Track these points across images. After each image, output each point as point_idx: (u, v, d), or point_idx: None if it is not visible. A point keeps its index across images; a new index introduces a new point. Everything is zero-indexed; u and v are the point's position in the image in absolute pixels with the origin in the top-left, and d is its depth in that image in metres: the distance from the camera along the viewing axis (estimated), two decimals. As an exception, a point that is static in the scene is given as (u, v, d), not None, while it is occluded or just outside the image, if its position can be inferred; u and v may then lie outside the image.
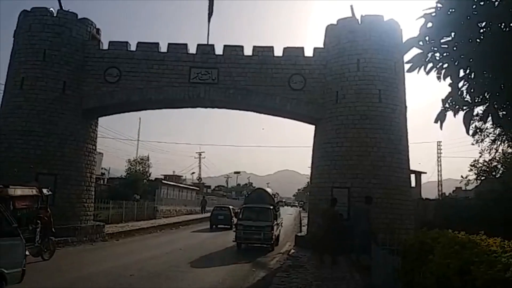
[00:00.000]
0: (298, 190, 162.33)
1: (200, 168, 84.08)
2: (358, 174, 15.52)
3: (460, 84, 3.31)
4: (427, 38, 2.68)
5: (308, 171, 19.03)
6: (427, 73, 2.99)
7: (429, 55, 2.79)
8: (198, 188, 64.62)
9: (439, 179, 45.71)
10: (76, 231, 16.52)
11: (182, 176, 73.54)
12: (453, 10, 2.46)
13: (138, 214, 28.14)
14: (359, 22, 16.50)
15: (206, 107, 18.84)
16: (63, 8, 17.66)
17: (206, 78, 17.40)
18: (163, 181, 46.12)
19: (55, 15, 17.35)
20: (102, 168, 51.24)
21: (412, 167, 18.48)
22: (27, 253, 8.74)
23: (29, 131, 16.33)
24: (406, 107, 16.76)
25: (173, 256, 14.41)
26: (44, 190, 12.45)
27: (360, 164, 15.54)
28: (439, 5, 2.59)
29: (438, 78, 2.96)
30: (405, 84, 16.92)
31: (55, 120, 16.76)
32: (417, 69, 2.97)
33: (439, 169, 46.78)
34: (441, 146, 47.67)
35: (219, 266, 12.97)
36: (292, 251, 15.27)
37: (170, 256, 14.39)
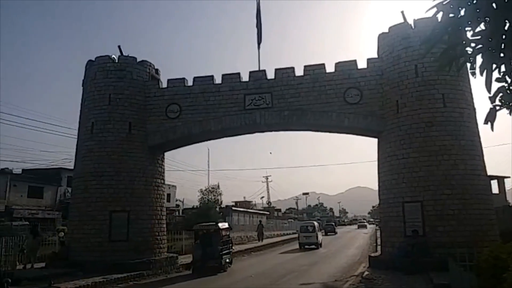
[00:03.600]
0: (373, 207, 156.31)
1: (268, 192, 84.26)
2: (430, 186, 14.49)
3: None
4: (451, 29, 2.36)
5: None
6: (458, 70, 2.65)
7: (459, 49, 2.47)
8: (268, 212, 64.42)
9: (528, 183, 41.45)
10: (150, 265, 16.92)
11: (252, 201, 74.05)
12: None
13: (211, 243, 28.48)
14: (413, 27, 15.77)
15: (263, 131, 18.92)
16: (123, 53, 18.87)
17: (261, 103, 17.53)
18: (233, 207, 46.67)
19: (116, 61, 18.60)
20: (176, 200, 53.24)
21: (493, 172, 16.94)
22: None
23: (101, 172, 17.39)
24: (475, 108, 15.54)
25: (249, 282, 14.67)
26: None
27: (431, 175, 14.52)
28: (452, -8, 2.27)
29: (473, 74, 2.61)
30: (471, 84, 15.76)
31: (124, 159, 17.71)
32: (448, 67, 2.64)
33: (526, 172, 42.49)
34: (526, 146, 43.43)
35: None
36: (366, 272, 14.48)
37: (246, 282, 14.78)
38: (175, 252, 21.22)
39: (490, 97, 3.06)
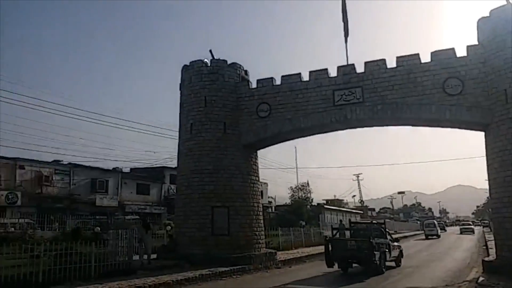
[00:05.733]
0: (477, 207, 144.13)
1: (360, 190, 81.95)
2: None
3: None
4: None
5: (486, 185, 16.77)
6: None
7: None
8: (361, 212, 62.89)
9: None
10: (251, 259, 17.50)
11: (343, 199, 72.69)
12: None
13: (306, 239, 28.74)
14: (517, 8, 14.32)
15: (354, 127, 18.54)
16: (215, 57, 19.81)
17: (351, 99, 17.16)
18: (325, 206, 46.36)
19: (209, 64, 19.61)
20: (268, 197, 54.47)
21: None
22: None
23: (201, 170, 18.50)
24: None
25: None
26: None
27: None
28: None
29: None
30: None
31: (221, 158, 18.63)
32: None
33: None
34: None
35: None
36: (481, 278, 13.10)
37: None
38: (272, 248, 21.76)
39: None
